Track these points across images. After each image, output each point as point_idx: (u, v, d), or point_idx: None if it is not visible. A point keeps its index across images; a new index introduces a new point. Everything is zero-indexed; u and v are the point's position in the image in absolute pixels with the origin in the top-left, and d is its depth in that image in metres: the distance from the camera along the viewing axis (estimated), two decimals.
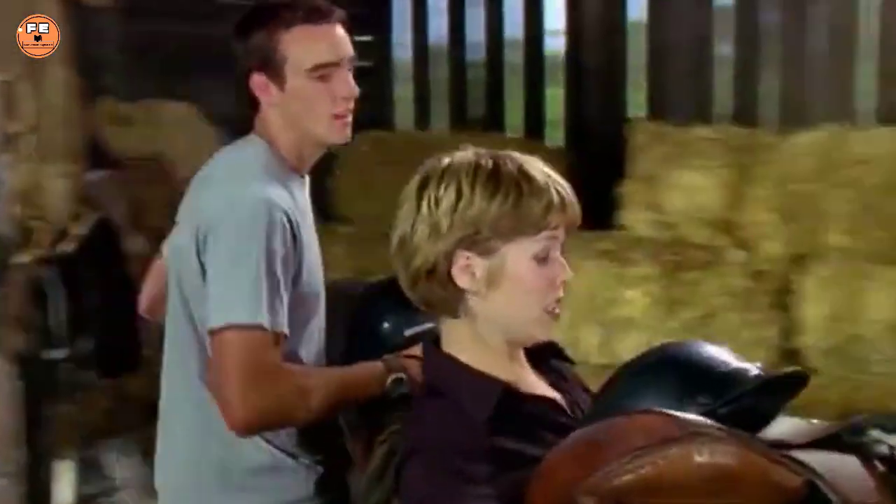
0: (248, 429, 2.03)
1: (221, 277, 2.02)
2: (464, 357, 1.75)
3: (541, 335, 1.77)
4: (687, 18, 4.92)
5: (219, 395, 2.02)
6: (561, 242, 1.73)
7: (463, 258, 1.70)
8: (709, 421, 1.40)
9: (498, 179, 1.70)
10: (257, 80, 2.13)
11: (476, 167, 1.70)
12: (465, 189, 1.70)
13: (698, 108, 4.88)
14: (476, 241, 1.69)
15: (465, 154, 1.74)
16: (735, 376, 1.55)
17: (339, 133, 2.18)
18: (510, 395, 1.71)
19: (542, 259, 1.71)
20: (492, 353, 1.75)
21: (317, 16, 2.13)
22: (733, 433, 1.36)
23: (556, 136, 5.31)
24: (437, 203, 1.70)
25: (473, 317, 1.73)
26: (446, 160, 1.73)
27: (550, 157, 2.07)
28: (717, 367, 1.58)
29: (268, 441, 2.11)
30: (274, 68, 2.12)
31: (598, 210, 4.08)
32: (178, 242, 2.16)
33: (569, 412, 1.76)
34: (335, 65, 2.14)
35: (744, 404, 1.50)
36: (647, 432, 1.39)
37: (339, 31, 2.15)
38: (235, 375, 1.98)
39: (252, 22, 2.14)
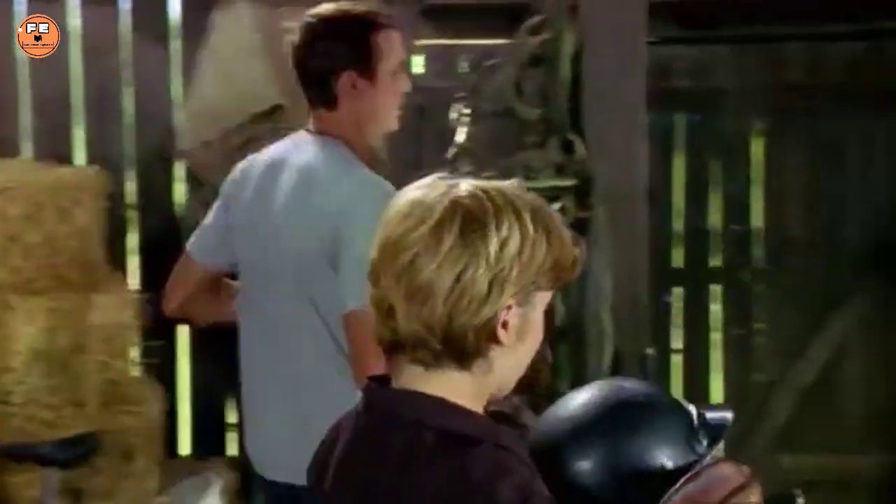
0: None
1: (359, 265, 1.99)
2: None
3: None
4: None
5: (360, 364, 2.29)
6: None
7: (503, 313, 1.47)
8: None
9: (550, 220, 1.50)
10: (348, 77, 2.45)
11: (530, 203, 1.49)
12: (530, 230, 1.46)
13: None
14: (527, 290, 1.48)
15: (493, 185, 1.50)
16: (708, 422, 1.64)
17: (396, 123, 2.57)
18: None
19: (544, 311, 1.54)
20: (479, 407, 1.53)
21: (395, 22, 2.54)
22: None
23: None
24: (502, 247, 1.44)
25: (488, 371, 1.50)
26: (478, 192, 1.47)
27: None
28: (691, 414, 1.64)
29: None
30: (369, 65, 2.45)
31: None
32: (287, 241, 2.42)
33: None
34: (403, 64, 2.57)
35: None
36: (729, 481, 1.50)
37: None
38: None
39: (348, 25, 2.47)
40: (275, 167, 2.50)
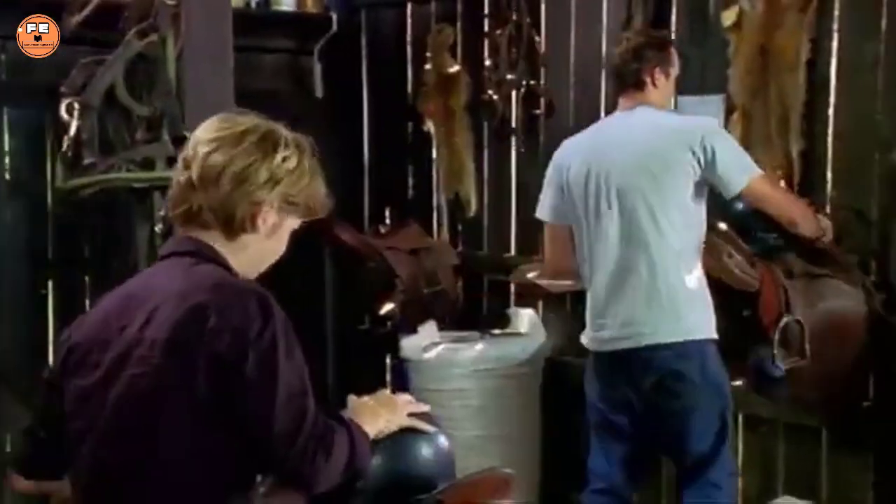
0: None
1: (733, 155, 3.63)
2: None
3: None
4: None
5: (788, 212, 3.72)
6: None
7: (268, 207, 2.10)
8: None
9: (317, 170, 2.17)
10: (658, 71, 3.79)
11: (310, 150, 2.16)
12: (305, 163, 2.12)
13: None
14: (287, 201, 2.11)
15: (280, 128, 2.14)
16: None
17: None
18: None
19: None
20: None
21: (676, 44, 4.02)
22: None
23: None
24: (283, 161, 2.08)
25: (243, 248, 2.11)
26: (279, 126, 2.13)
27: None
28: None
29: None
30: (667, 65, 3.82)
31: None
32: (643, 166, 3.68)
33: None
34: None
35: None
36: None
37: None
38: (786, 196, 3.82)
39: (658, 40, 3.90)
40: (609, 131, 3.80)
